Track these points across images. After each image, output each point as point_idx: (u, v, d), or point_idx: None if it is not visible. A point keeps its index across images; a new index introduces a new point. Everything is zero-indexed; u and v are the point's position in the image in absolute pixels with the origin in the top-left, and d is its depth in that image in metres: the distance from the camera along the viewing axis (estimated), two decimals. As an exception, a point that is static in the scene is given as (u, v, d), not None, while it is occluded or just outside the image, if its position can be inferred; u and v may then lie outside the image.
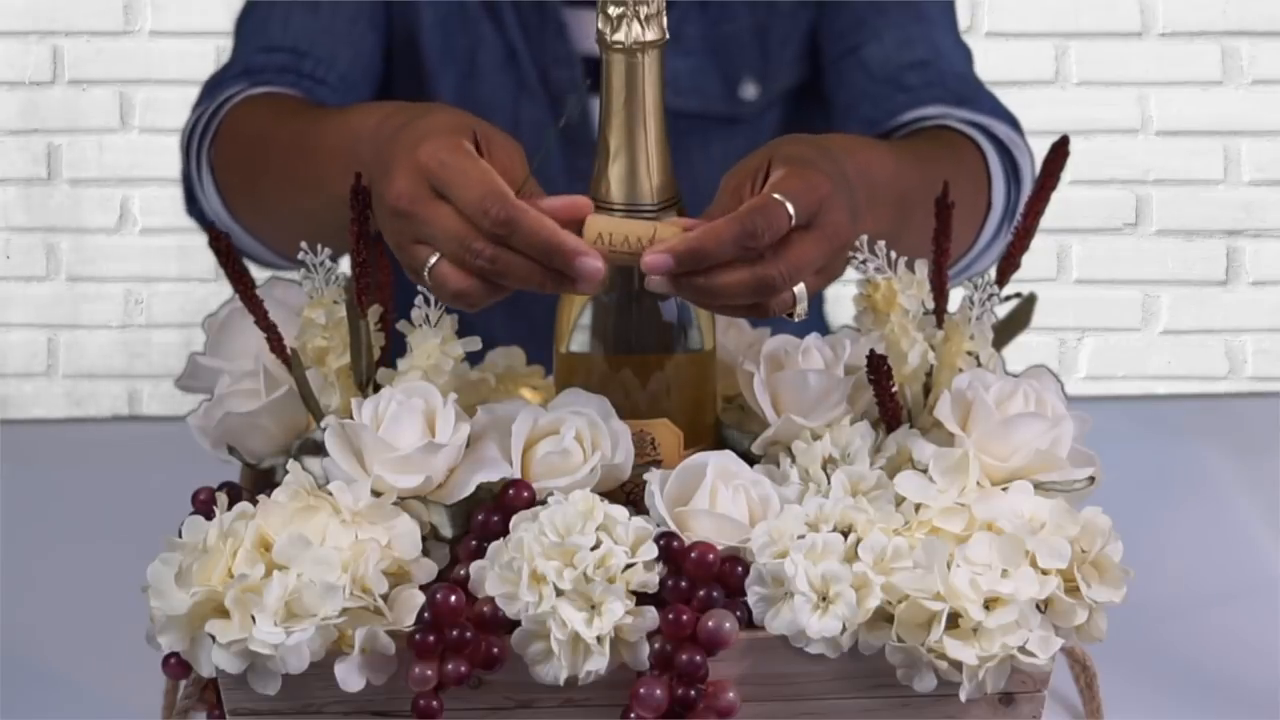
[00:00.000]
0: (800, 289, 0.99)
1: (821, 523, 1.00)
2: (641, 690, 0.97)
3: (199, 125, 1.39)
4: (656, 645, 0.98)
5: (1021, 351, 1.19)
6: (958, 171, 1.28)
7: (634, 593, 0.98)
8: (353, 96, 1.44)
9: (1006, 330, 1.14)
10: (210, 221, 1.39)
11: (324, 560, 0.97)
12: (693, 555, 0.99)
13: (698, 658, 0.97)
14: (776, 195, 0.98)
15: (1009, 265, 1.12)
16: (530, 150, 1.04)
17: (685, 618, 0.97)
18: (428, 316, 1.06)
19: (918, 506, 1.02)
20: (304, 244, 1.06)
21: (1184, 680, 1.18)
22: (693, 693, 0.97)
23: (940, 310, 1.08)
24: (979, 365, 1.08)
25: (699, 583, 0.99)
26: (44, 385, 2.64)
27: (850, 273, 1.07)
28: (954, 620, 0.97)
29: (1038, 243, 1.13)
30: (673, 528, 1.00)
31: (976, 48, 1.52)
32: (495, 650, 0.97)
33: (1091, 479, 1.04)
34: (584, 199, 1.00)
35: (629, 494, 1.05)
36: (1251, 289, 2.61)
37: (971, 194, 1.31)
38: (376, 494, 1.01)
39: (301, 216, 1.23)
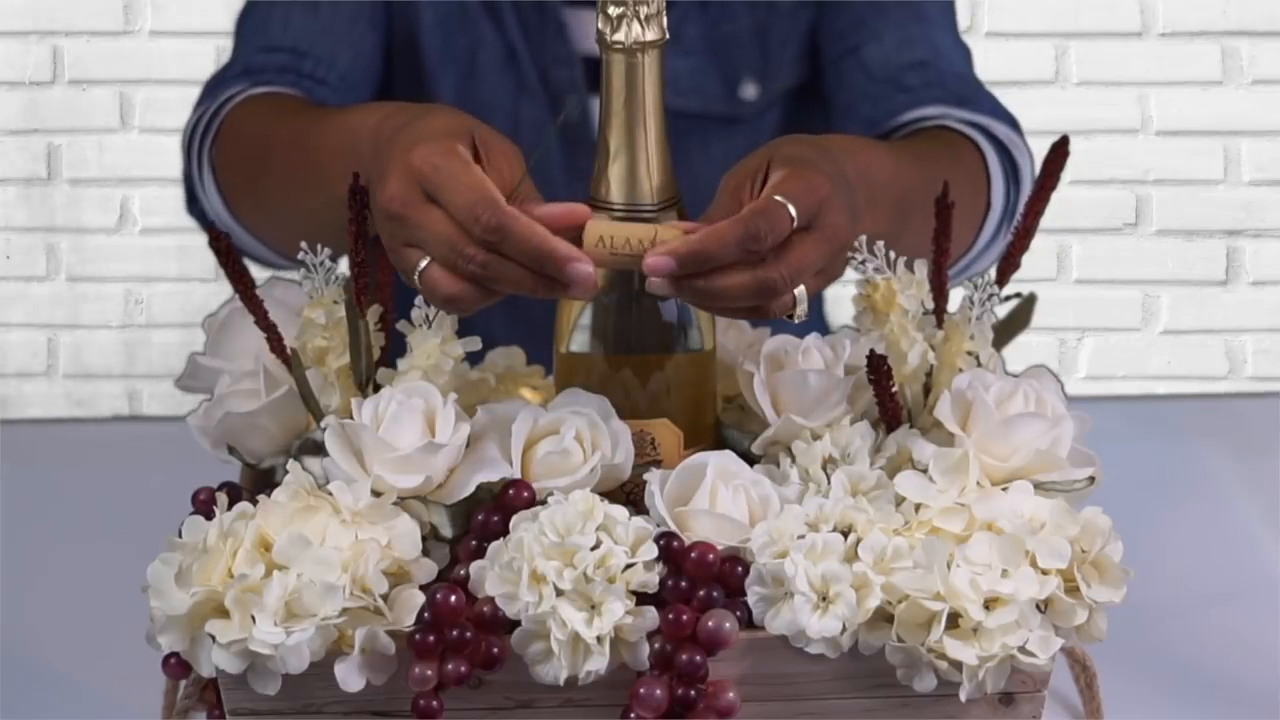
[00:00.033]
0: (800, 290, 0.99)
1: (821, 523, 1.00)
2: (641, 690, 0.97)
3: (200, 125, 1.39)
4: (656, 645, 0.98)
5: (1021, 351, 1.19)
6: (957, 172, 1.28)
7: (634, 593, 0.98)
8: (353, 96, 1.44)
9: (1006, 330, 1.14)
10: (211, 221, 1.39)
11: (324, 560, 0.97)
12: (693, 555, 0.99)
13: (698, 658, 0.97)
14: (778, 197, 0.98)
15: (1009, 265, 1.12)
16: (530, 151, 1.04)
17: (685, 618, 0.97)
18: (428, 316, 1.06)
19: (918, 506, 1.02)
20: (304, 244, 1.06)
21: (1184, 680, 1.18)
22: (693, 693, 0.97)
23: (940, 310, 1.08)
24: (979, 365, 1.08)
25: (699, 583, 0.99)
26: (44, 385, 2.64)
27: (850, 273, 1.07)
28: (954, 620, 0.97)
29: (1038, 243, 1.13)
30: (673, 528, 1.00)
31: (976, 48, 1.52)
32: (495, 650, 0.97)
33: (1091, 479, 1.04)
34: (582, 206, 1.00)
35: (629, 494, 1.05)
36: (1251, 289, 2.61)
37: (971, 194, 1.31)
38: (376, 494, 1.01)
39: (302, 216, 1.23)
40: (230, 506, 1.01)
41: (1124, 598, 1.00)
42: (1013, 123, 1.41)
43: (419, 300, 1.05)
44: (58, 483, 1.44)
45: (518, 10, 1.49)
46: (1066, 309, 2.61)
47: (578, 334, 1.06)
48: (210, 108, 1.39)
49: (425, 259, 0.99)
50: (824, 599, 0.98)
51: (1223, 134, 2.58)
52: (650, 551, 0.99)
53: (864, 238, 1.05)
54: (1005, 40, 2.56)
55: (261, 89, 1.39)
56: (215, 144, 1.38)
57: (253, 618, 0.96)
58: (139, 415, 2.62)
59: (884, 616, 0.98)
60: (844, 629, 0.98)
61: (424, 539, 1.02)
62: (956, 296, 1.09)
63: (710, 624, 0.97)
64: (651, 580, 0.99)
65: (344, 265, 1.13)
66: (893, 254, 1.06)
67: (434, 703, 0.97)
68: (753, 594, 1.00)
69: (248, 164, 1.34)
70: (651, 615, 0.97)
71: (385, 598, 0.98)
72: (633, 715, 0.97)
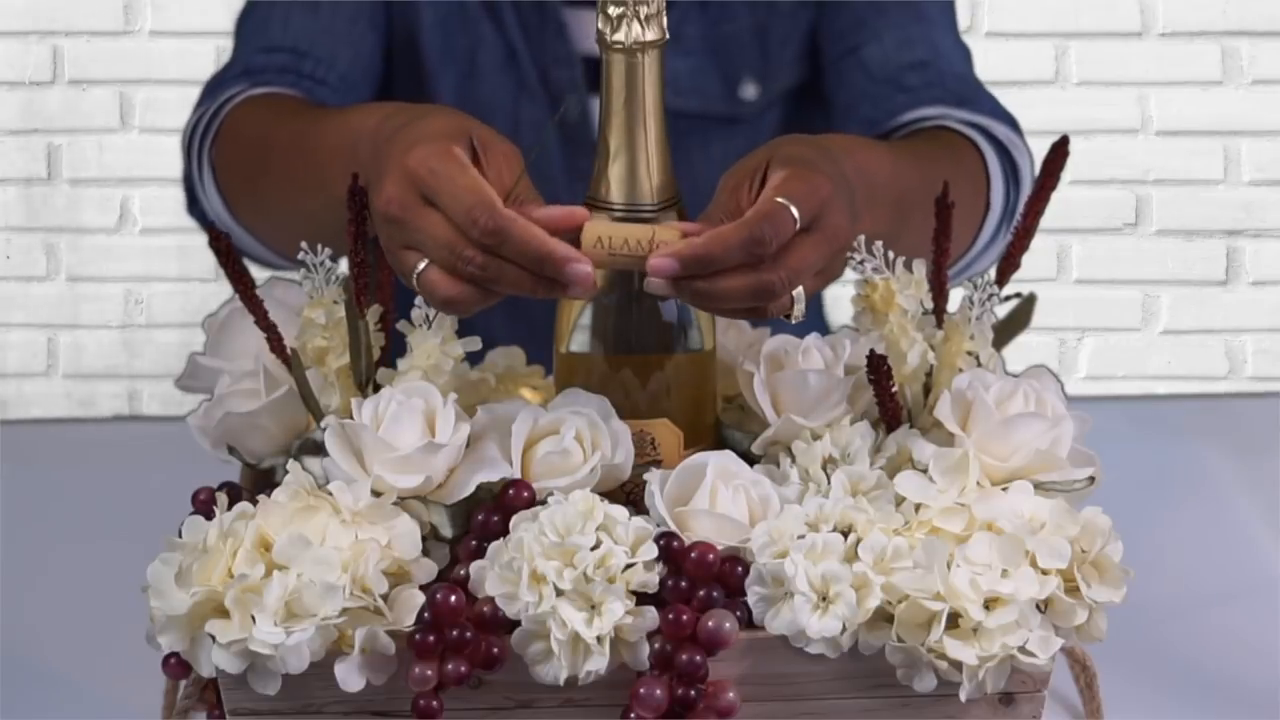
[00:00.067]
0: (799, 291, 0.99)
1: (821, 523, 1.00)
2: (641, 690, 0.97)
3: (200, 126, 1.39)
4: (656, 645, 0.98)
5: (1021, 351, 1.19)
6: (957, 172, 1.28)
7: (634, 593, 0.98)
8: (353, 97, 1.44)
9: (1006, 330, 1.14)
10: (211, 222, 1.39)
11: (324, 560, 0.97)
12: (693, 555, 0.99)
13: (698, 658, 0.97)
14: (780, 199, 0.98)
15: (1009, 265, 1.12)
16: (528, 150, 1.04)
17: (685, 618, 0.97)
18: (428, 316, 1.06)
19: (918, 506, 1.02)
20: (304, 244, 1.06)
21: (1184, 680, 1.18)
22: (693, 693, 0.97)
23: (940, 310, 1.08)
24: (979, 365, 1.08)
25: (699, 583, 0.99)
26: (44, 385, 2.64)
27: (851, 273, 1.07)
28: (954, 620, 0.97)
29: (1038, 243, 1.13)
30: (673, 528, 1.00)
31: (976, 48, 1.52)
32: (495, 650, 0.97)
33: (1091, 479, 1.04)
34: (581, 209, 1.00)
35: (629, 494, 1.05)
36: (1251, 289, 2.61)
37: (970, 194, 1.31)
38: (376, 494, 1.01)
39: (302, 217, 1.23)
40: (230, 506, 1.01)
41: (1124, 598, 1.00)
42: (1013, 123, 1.41)
43: (419, 300, 1.05)
44: (58, 483, 1.44)
45: (518, 10, 1.49)
46: (1066, 309, 2.61)
47: (578, 334, 1.06)
48: (210, 108, 1.39)
49: (423, 261, 0.99)
50: (824, 599, 0.98)
51: (1223, 134, 2.58)
52: (650, 551, 0.99)
53: (863, 237, 1.05)
54: (1005, 40, 2.56)
55: (261, 89, 1.39)
56: (215, 145, 1.38)
57: (253, 618, 0.96)
58: (139, 415, 2.62)
59: (884, 616, 0.98)
60: (844, 629, 0.98)
61: (424, 539, 1.02)
62: (956, 296, 1.09)
63: (710, 624, 0.97)
64: (651, 580, 0.99)
65: (344, 265, 1.13)
66: (891, 254, 1.06)
67: (434, 703, 0.97)
68: (753, 594, 1.00)
69: (247, 165, 1.34)
70: (651, 615, 0.97)
71: (385, 598, 0.98)
72: (633, 715, 0.97)
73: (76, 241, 2.61)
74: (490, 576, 0.98)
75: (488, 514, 1.02)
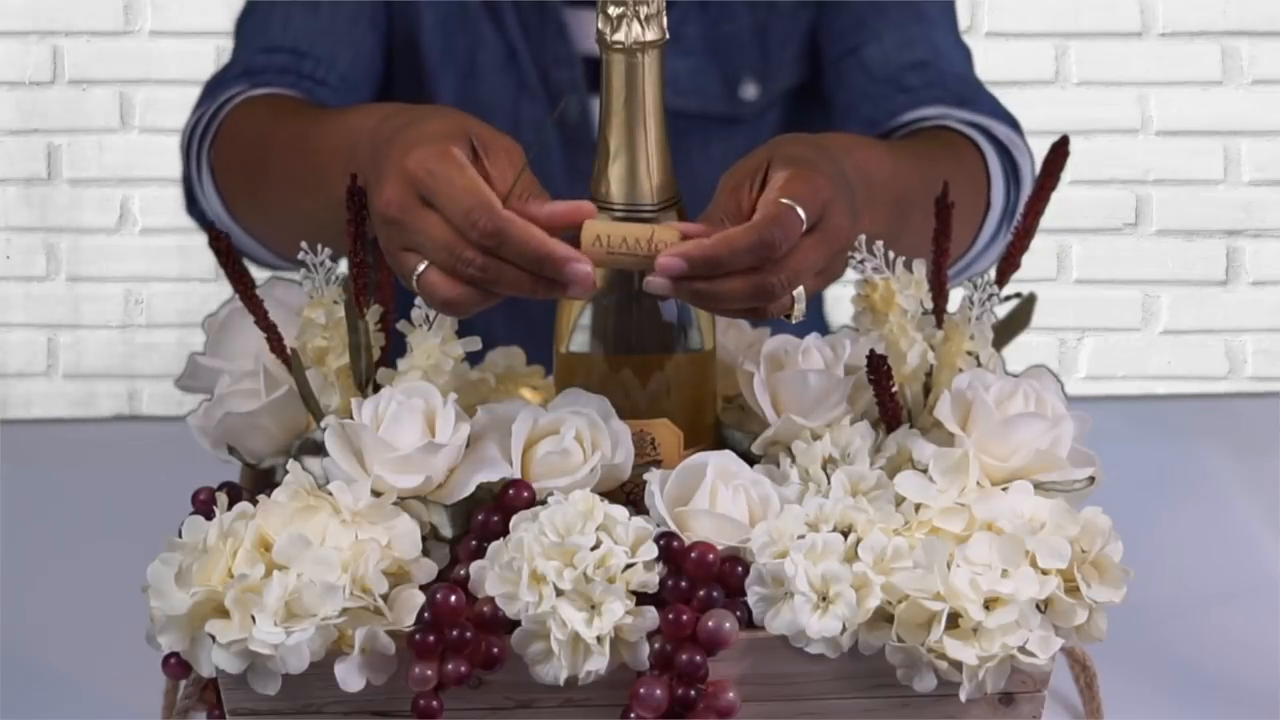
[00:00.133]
0: (799, 291, 0.99)
1: (821, 523, 1.00)
2: (641, 690, 0.97)
3: (199, 126, 1.39)
4: (656, 645, 0.98)
5: (1021, 351, 1.19)
6: (957, 172, 1.28)
7: (634, 593, 0.98)
8: (353, 97, 1.44)
9: (1006, 330, 1.14)
10: (210, 222, 1.39)
11: (324, 560, 0.97)
12: (693, 555, 0.99)
13: (698, 658, 0.97)
14: (785, 200, 0.98)
15: (1009, 265, 1.12)
16: (528, 149, 1.04)
17: (685, 618, 0.97)
18: (428, 316, 1.06)
19: (918, 506, 1.02)
20: (304, 244, 1.06)
21: (1184, 680, 1.18)
22: (693, 693, 0.97)
23: (940, 310, 1.08)
24: (979, 365, 1.08)
25: (699, 583, 0.99)
26: (44, 385, 2.64)
27: (851, 273, 1.07)
28: (954, 620, 0.97)
29: (1038, 243, 1.13)
30: (673, 528, 1.00)
31: (976, 48, 1.52)
32: (495, 650, 0.97)
33: (1091, 479, 1.04)
34: (587, 204, 1.00)
35: (629, 494, 1.05)
36: (1251, 289, 2.61)
37: (970, 194, 1.31)
38: (376, 494, 1.01)
39: (302, 217, 1.23)
40: (230, 506, 1.01)
41: (1124, 598, 1.00)
42: (1013, 123, 1.41)
43: (419, 300, 1.05)
44: (58, 483, 1.44)
45: (518, 10, 1.49)
46: (1066, 309, 2.61)
47: (578, 334, 1.06)
48: (209, 109, 1.39)
49: (423, 263, 0.99)
50: (824, 599, 0.98)
51: (1223, 134, 2.58)
52: (650, 551, 0.99)
53: (863, 237, 1.05)
54: (1005, 40, 2.56)
55: (261, 90, 1.39)
56: (214, 145, 1.38)
57: (253, 618, 0.96)
58: (139, 415, 2.62)
59: (884, 616, 0.98)
60: (844, 629, 0.98)
61: (424, 539, 1.02)
62: (956, 296, 1.09)
63: (710, 624, 0.97)
64: (651, 580, 0.99)
65: (344, 265, 1.13)
66: (891, 254, 1.06)
67: (434, 703, 0.97)
68: (753, 594, 0.99)
69: (247, 165, 1.34)
70: (651, 615, 0.97)
71: (385, 598, 0.98)
72: (633, 715, 0.97)
73: (76, 241, 2.61)
74: (490, 576, 0.98)
75: (488, 514, 1.02)
